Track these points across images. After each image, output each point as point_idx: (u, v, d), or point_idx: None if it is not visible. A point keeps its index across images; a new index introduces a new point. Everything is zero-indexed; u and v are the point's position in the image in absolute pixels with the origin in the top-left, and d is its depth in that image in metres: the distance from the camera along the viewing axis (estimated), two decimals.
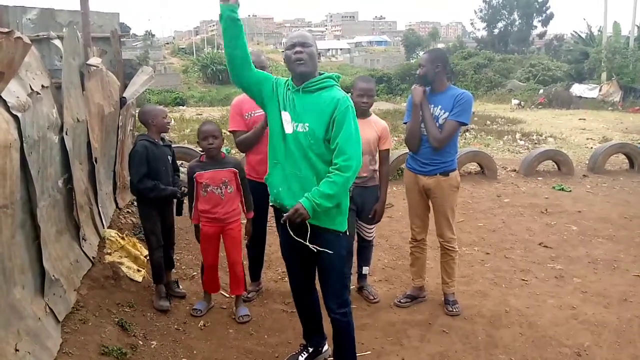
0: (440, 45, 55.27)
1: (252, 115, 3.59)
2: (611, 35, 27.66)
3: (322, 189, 2.47)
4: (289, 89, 2.64)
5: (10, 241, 2.33)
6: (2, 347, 2.13)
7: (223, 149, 3.83)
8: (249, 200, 3.58)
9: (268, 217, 3.91)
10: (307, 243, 2.55)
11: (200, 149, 3.55)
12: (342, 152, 2.49)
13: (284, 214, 2.52)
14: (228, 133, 4.18)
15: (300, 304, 3.02)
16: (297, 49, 2.53)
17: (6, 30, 1.88)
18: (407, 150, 3.76)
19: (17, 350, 2.22)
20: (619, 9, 30.64)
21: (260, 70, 2.71)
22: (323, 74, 2.62)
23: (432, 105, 3.52)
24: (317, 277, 2.90)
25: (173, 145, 4.06)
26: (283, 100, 2.63)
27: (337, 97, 2.54)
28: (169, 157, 3.73)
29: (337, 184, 2.48)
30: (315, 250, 2.57)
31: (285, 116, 2.61)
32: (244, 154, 3.87)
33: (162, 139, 3.73)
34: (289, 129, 2.61)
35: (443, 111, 3.47)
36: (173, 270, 4.01)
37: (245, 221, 3.65)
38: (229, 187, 3.42)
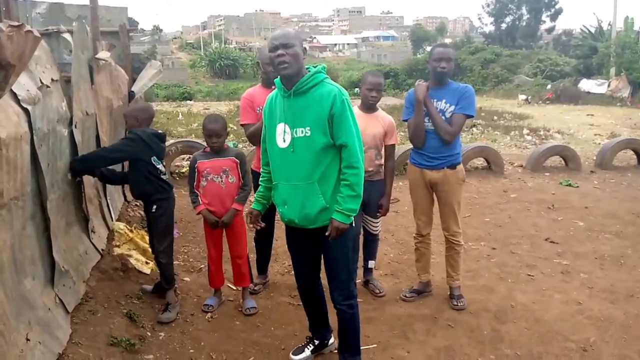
0: (447, 40, 54.85)
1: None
2: (621, 30, 27.37)
3: (347, 193, 2.49)
4: (282, 95, 2.57)
5: (21, 233, 2.36)
6: (14, 337, 2.16)
7: (230, 144, 3.84)
8: (245, 191, 3.53)
9: (277, 212, 3.91)
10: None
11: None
12: (351, 150, 2.48)
13: (328, 235, 2.56)
14: (235, 128, 4.19)
15: (306, 298, 3.02)
16: (279, 51, 2.43)
17: (17, 23, 1.90)
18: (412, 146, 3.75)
19: (28, 339, 2.26)
20: (631, 3, 30.27)
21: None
22: (309, 69, 2.54)
23: (435, 100, 3.51)
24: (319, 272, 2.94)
25: (180, 140, 4.06)
26: (278, 113, 2.59)
27: (333, 92, 2.47)
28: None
29: (359, 182, 2.50)
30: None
31: (281, 128, 2.57)
32: (254, 147, 3.86)
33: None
34: (283, 142, 2.57)
35: (448, 105, 3.48)
36: (170, 287, 3.53)
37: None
38: (230, 176, 3.45)
